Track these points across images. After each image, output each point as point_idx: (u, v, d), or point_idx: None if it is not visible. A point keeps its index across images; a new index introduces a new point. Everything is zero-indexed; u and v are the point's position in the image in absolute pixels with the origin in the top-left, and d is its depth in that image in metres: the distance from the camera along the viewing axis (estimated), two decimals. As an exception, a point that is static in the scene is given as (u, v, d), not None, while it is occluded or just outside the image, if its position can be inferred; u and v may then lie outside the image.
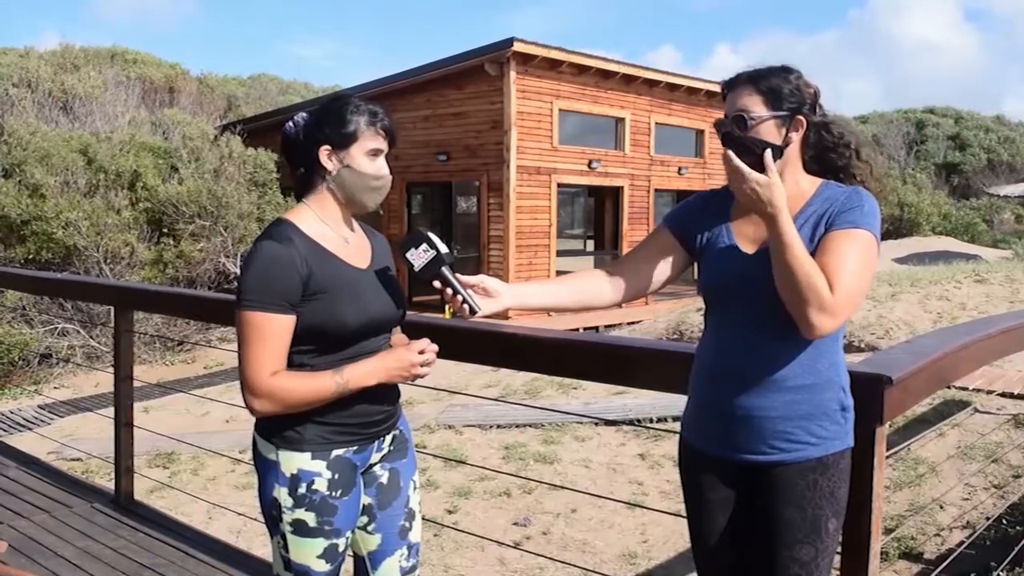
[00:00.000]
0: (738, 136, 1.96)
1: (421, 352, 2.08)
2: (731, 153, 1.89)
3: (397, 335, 2.27)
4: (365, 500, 2.19)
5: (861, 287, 1.87)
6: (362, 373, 2.02)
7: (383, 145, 2.10)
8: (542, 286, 2.29)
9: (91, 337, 14.99)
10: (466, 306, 2.08)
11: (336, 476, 2.06)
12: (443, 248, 2.09)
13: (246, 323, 1.99)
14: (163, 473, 7.38)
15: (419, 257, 2.07)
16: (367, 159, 2.07)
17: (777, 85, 1.97)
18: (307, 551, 2.06)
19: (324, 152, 2.06)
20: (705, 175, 20.70)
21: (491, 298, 2.14)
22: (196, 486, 7.08)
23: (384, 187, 2.12)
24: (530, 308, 2.23)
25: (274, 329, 1.98)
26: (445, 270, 2.08)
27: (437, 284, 2.09)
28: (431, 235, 2.10)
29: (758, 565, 2.00)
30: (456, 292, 2.08)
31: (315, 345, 2.04)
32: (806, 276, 1.80)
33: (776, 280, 1.85)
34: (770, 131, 1.96)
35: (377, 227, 2.33)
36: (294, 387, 1.98)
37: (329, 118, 2.07)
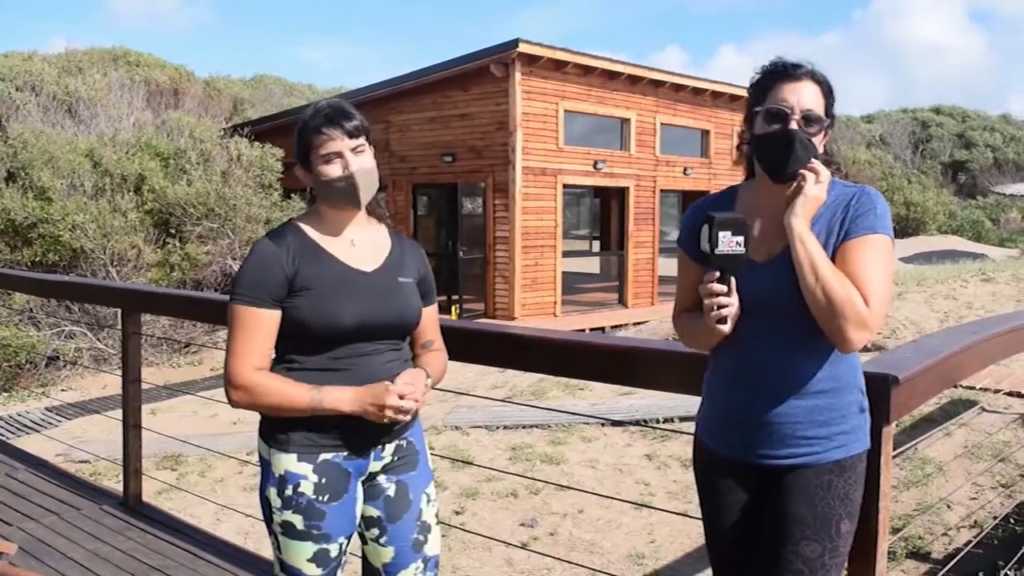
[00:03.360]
0: (803, 132, 1.90)
1: (401, 396, 2.02)
2: (813, 175, 1.89)
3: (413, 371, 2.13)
4: (373, 512, 2.18)
5: (889, 295, 1.88)
6: (337, 397, 2.02)
7: (338, 146, 2.06)
8: None
9: (98, 339, 15.01)
10: (723, 312, 1.87)
11: (323, 480, 2.06)
12: (748, 250, 1.89)
13: (233, 316, 2.05)
14: (171, 475, 7.40)
15: (729, 244, 1.85)
16: (326, 165, 2.08)
17: (831, 90, 1.95)
18: (297, 554, 2.08)
19: (298, 171, 2.15)
20: (711, 175, 20.66)
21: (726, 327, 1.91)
22: (204, 488, 7.09)
23: (352, 185, 2.08)
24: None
25: (258, 323, 2.04)
26: (735, 277, 1.88)
27: (715, 275, 1.87)
28: (750, 233, 1.90)
29: (764, 563, 1.98)
30: (727, 295, 1.87)
31: (303, 342, 2.06)
32: (841, 292, 1.79)
33: (808, 296, 1.83)
34: (819, 137, 1.95)
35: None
36: (270, 387, 2.02)
37: (296, 135, 2.14)
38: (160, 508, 4.51)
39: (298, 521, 2.05)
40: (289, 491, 2.05)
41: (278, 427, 2.06)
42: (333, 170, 2.07)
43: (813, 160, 1.91)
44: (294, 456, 2.06)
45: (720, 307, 1.86)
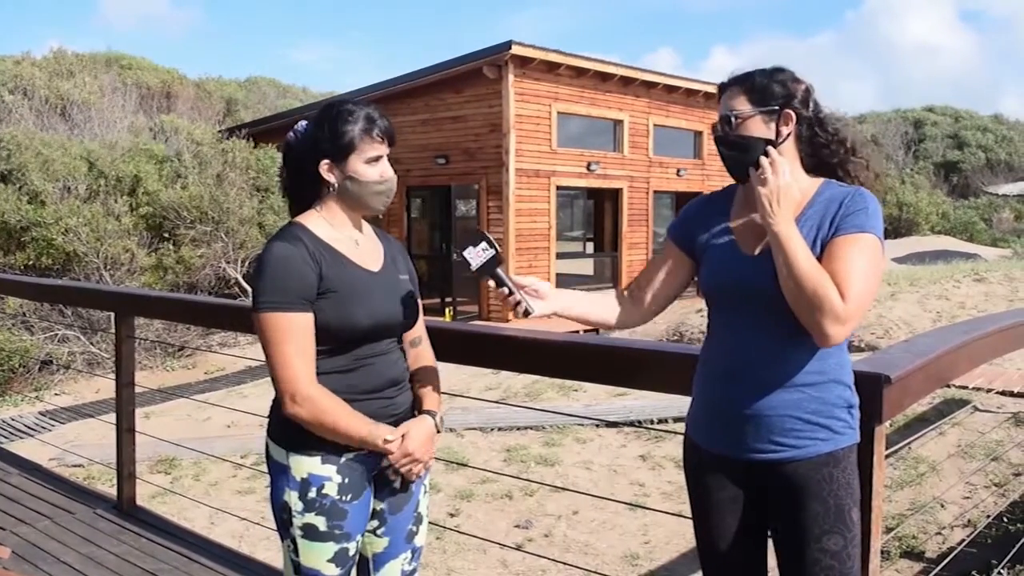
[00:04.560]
0: (725, 135, 1.99)
1: (408, 454, 2.09)
2: (759, 169, 1.92)
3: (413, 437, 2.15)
4: (377, 505, 2.18)
5: (870, 292, 1.88)
6: (387, 437, 2.04)
7: (382, 150, 2.10)
8: (582, 296, 2.25)
9: (91, 343, 14.98)
10: (521, 307, 2.04)
11: (346, 480, 2.06)
12: (499, 248, 2.08)
13: (269, 326, 1.99)
14: (165, 479, 7.39)
15: (477, 256, 2.04)
16: (367, 167, 2.08)
17: (762, 83, 1.99)
18: (317, 555, 2.07)
19: (324, 166, 2.09)
20: (704, 176, 20.70)
21: (542, 300, 2.10)
22: (198, 491, 7.08)
23: (390, 190, 2.13)
24: (570, 316, 2.19)
25: (297, 328, 1.99)
26: (500, 270, 2.06)
27: (492, 284, 2.06)
28: (488, 235, 2.07)
29: (785, 564, 1.99)
30: (511, 292, 2.04)
31: (324, 346, 2.04)
32: (816, 287, 1.80)
33: (785, 291, 1.85)
34: (758, 127, 1.97)
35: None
36: (333, 407, 1.99)
37: (324, 131, 2.08)
38: (154, 512, 4.50)
39: (321, 523, 2.04)
40: (313, 493, 2.04)
41: (299, 430, 2.03)
42: (373, 173, 2.08)
43: (769, 152, 1.94)
44: (318, 459, 2.04)
45: (515, 304, 2.04)
